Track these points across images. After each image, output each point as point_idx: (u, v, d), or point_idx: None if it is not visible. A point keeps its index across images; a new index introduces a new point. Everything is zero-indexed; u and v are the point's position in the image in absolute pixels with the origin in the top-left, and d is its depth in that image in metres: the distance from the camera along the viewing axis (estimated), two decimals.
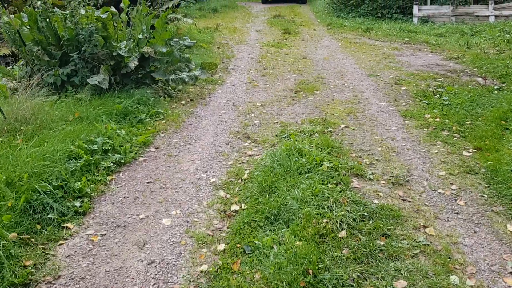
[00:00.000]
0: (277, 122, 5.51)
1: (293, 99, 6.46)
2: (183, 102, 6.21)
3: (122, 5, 6.52)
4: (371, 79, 7.59)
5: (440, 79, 7.54)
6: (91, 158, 4.01)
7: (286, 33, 12.74)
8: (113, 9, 6.66)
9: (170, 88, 6.49)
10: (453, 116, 5.52)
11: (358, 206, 3.45)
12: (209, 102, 6.32)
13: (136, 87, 6.07)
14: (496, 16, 13.68)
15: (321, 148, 4.44)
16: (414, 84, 7.18)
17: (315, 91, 6.83)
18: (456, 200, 3.71)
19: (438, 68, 8.47)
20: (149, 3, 8.06)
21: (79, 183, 3.64)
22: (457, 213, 3.52)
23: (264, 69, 8.35)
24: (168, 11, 6.10)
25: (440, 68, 8.48)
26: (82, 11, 5.90)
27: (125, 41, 5.85)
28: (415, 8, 14.58)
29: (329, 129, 5.18)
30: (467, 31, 12.43)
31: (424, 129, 5.24)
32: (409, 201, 3.67)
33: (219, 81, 7.48)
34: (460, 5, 14.24)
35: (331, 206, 3.41)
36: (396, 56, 9.64)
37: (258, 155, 4.55)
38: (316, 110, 5.95)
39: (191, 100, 6.35)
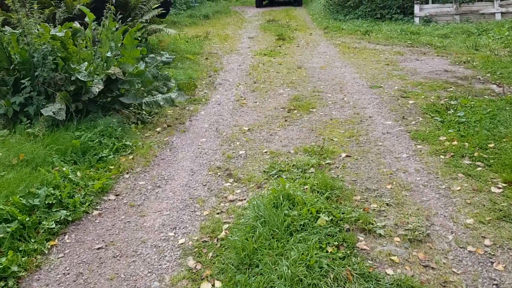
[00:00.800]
0: (266, 151, 4.65)
1: (285, 120, 5.59)
2: (158, 129, 5.35)
3: (87, 19, 5.68)
4: (374, 91, 6.71)
5: (451, 89, 6.66)
6: (27, 219, 3.15)
7: (280, 39, 11.88)
8: (76, 24, 5.81)
9: (144, 112, 5.63)
10: (473, 137, 4.64)
11: (368, 283, 2.58)
12: (189, 128, 5.46)
13: (104, 114, 5.22)
14: (502, 13, 12.79)
15: (318, 191, 3.57)
16: (423, 96, 6.30)
17: (310, 109, 5.96)
18: (492, 262, 2.83)
19: (447, 75, 7.59)
20: (124, 15, 7.22)
21: (4, 259, 2.78)
22: (496, 284, 2.66)
23: (255, 83, 7.49)
24: (137, 25, 5.26)
25: (449, 75, 7.60)
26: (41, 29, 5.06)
27: (86, 63, 5.00)
28: (416, 8, 13.71)
29: (328, 160, 4.31)
30: (474, 31, 11.55)
31: (441, 156, 4.37)
32: (432, 267, 2.79)
33: (203, 99, 6.61)
34: (463, 2, 13.35)
35: (331, 285, 2.54)
36: (399, 62, 8.76)
37: (241, 200, 3.68)
38: (312, 134, 5.09)
39: (168, 126, 5.49)
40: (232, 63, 9.20)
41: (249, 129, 5.33)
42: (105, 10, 5.38)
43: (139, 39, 8.57)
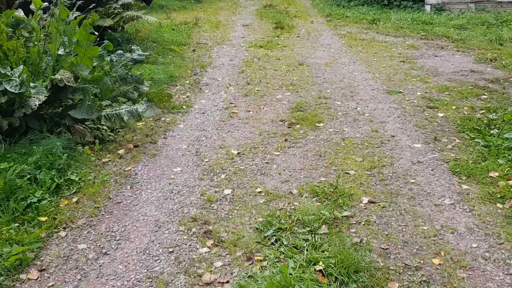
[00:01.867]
0: (260, 191, 3.42)
1: (285, 140, 4.36)
2: (121, 152, 4.10)
3: (32, 6, 4.37)
4: (393, 99, 5.48)
5: (485, 96, 5.46)
6: None
7: (278, 28, 10.54)
8: (20, 13, 4.51)
9: (104, 128, 4.37)
10: None
11: None
12: (161, 149, 4.21)
13: (51, 131, 3.97)
14: None
15: (336, 277, 2.37)
16: (454, 107, 5.08)
17: (316, 124, 4.73)
18: None
19: (474, 77, 6.36)
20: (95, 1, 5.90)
21: None
22: None
23: (248, 84, 6.22)
24: (93, 16, 3.97)
25: (477, 77, 6.37)
26: None
27: (21, 66, 3.71)
28: None
29: (345, 211, 3.09)
30: (492, 21, 10.27)
31: (497, 204, 3.17)
32: None
33: (184, 106, 5.35)
34: None
35: None
36: (416, 58, 7.50)
37: (223, 283, 2.47)
38: (320, 163, 3.86)
39: (135, 146, 4.24)
40: (222, 56, 7.90)
41: (238, 152, 4.10)
42: None
43: (115, 28, 7.25)
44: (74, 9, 4.63)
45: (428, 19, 10.96)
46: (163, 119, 4.94)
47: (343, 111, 5.10)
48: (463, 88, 5.77)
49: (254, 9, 13.72)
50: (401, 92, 5.70)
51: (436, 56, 7.70)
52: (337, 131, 4.53)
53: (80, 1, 5.02)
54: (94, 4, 5.82)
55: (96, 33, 4.35)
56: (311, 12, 13.34)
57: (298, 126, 4.69)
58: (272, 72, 6.74)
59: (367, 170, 3.70)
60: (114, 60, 4.65)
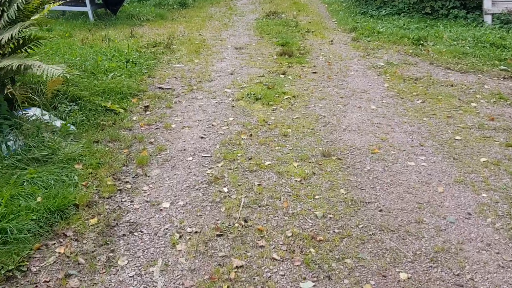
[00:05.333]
0: None
1: None
2: None
3: None
4: None
5: None
6: None
7: (284, 54, 7.09)
8: None
9: None
10: None
11: None
12: None
13: None
14: None
15: None
16: None
17: None
18: None
19: None
20: None
21: None
22: None
23: (220, 234, 2.82)
24: None
25: None
26: None
27: None
28: (487, 1, 8.86)
29: None
30: None
31: None
32: None
33: None
34: None
35: None
36: None
37: None
38: None
39: None
40: (189, 126, 4.48)
41: None
42: None
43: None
44: None
45: (497, 38, 7.48)
46: None
47: None
48: None
49: (253, 19, 10.21)
50: None
51: None
52: None
53: None
54: None
55: None
56: (329, 23, 9.82)
57: None
58: (271, 187, 3.32)
59: None
60: None
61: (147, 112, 4.77)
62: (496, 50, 6.93)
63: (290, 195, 3.16)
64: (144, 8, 10.40)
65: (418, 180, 3.36)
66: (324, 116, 4.65)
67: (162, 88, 5.56)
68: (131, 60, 6.38)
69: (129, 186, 3.29)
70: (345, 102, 5.06)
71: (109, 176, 3.34)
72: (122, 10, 9.95)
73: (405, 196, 3.14)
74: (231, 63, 6.68)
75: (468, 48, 7.15)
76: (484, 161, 3.65)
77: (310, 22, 9.72)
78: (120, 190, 3.22)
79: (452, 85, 5.58)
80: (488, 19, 8.80)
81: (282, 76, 6.02)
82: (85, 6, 9.03)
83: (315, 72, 6.22)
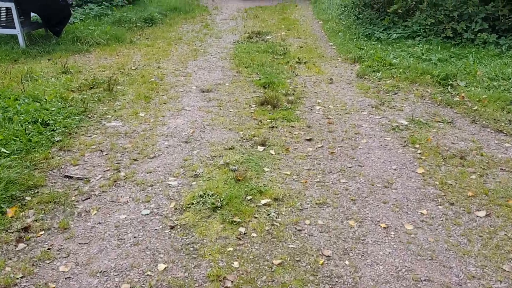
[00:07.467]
0: None
1: None
2: None
3: None
4: None
5: None
6: None
7: (266, 103, 5.04)
8: None
9: None
10: None
11: None
12: None
13: None
14: None
15: None
16: None
17: None
18: None
19: None
20: None
21: None
22: None
23: None
24: None
25: None
26: None
27: None
28: None
29: None
30: None
31: None
32: None
33: None
34: None
35: None
36: None
37: None
38: None
39: None
40: None
41: None
42: None
43: None
44: None
45: None
46: None
47: None
48: None
49: (231, 42, 8.14)
50: None
51: None
52: None
53: None
54: None
55: None
56: (326, 48, 7.78)
57: None
58: None
59: None
60: None
61: (20, 245, 2.68)
62: None
63: None
64: (98, 27, 8.28)
65: None
66: (329, 257, 2.60)
67: (71, 178, 3.48)
68: (41, 119, 4.28)
69: None
70: (359, 213, 3.02)
71: None
72: (68, 30, 7.84)
73: None
74: (191, 119, 4.62)
75: None
76: None
77: (302, 47, 7.67)
78: None
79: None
80: None
81: (260, 148, 3.97)
82: (14, 28, 6.91)
83: (309, 140, 4.18)
